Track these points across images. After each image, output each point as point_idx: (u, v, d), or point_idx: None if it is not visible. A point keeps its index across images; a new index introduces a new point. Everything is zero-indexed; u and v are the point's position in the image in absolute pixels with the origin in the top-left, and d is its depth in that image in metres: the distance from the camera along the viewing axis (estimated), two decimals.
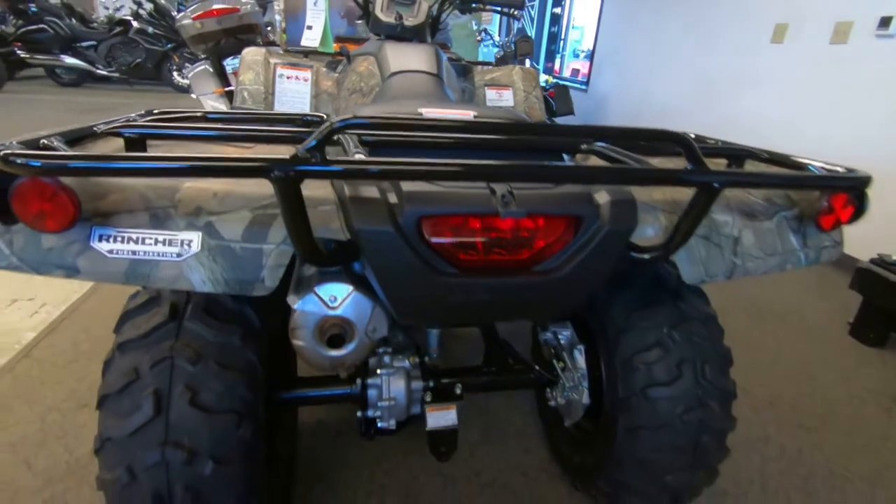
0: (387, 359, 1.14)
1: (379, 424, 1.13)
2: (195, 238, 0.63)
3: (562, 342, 1.21)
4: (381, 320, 0.81)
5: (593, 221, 0.68)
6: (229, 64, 3.11)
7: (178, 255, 0.62)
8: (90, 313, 1.94)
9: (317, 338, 0.79)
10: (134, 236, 0.62)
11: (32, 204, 0.55)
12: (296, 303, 0.77)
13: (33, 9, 7.26)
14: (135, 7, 7.72)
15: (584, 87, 6.58)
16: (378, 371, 1.11)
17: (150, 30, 7.54)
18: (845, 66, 2.92)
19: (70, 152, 0.60)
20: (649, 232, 0.77)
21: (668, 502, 1.06)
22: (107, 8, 8.90)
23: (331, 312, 0.78)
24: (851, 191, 0.76)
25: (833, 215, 0.81)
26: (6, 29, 7.11)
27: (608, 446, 1.07)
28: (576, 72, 7.30)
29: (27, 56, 7.23)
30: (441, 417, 1.12)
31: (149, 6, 7.56)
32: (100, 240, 0.61)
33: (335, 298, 0.77)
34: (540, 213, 0.66)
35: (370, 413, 1.13)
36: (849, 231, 0.88)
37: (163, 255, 0.63)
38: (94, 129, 0.79)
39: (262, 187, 0.67)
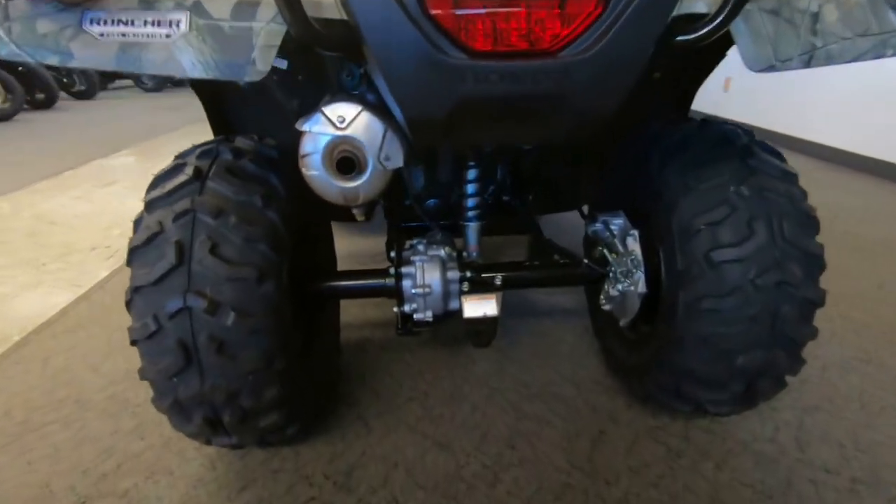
0: (421, 247, 1.09)
1: (415, 317, 1.08)
2: (183, 18, 0.60)
3: (613, 231, 1.10)
4: (394, 146, 0.75)
5: None
6: None
7: (167, 35, 0.60)
8: None
9: (326, 163, 0.74)
10: (124, 18, 0.60)
11: None
12: (303, 124, 0.73)
13: None
14: None
15: None
16: (412, 259, 1.07)
17: None
18: None
19: None
20: (700, 7, 0.65)
21: (741, 392, 0.91)
22: None
23: (339, 133, 0.73)
24: None
25: None
26: None
27: (668, 330, 0.94)
28: None
29: None
30: (479, 307, 1.04)
31: None
32: (91, 23, 0.60)
33: (343, 119, 0.72)
34: None
35: (406, 308, 1.08)
36: None
37: (152, 37, 0.60)
38: None
39: None
